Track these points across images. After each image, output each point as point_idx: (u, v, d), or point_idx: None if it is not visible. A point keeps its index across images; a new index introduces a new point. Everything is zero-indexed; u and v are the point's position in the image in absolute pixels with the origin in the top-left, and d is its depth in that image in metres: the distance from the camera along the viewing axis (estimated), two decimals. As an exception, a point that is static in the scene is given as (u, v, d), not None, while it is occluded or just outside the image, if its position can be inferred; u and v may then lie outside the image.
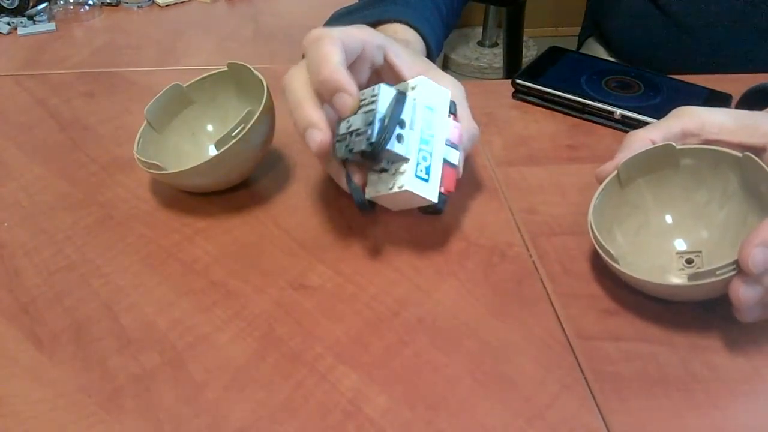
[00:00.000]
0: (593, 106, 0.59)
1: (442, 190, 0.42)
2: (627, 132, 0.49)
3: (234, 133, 0.46)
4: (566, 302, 0.42)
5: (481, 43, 2.44)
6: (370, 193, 0.43)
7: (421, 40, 0.56)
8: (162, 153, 0.52)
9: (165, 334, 0.40)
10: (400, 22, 0.56)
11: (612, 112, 0.59)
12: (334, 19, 0.62)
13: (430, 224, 0.45)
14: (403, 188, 0.41)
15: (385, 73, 0.47)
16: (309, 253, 0.46)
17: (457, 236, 0.47)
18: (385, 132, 0.40)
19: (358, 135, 0.41)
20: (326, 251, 0.46)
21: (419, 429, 0.35)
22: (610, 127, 0.59)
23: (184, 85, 0.54)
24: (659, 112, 0.51)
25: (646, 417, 0.35)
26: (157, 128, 0.53)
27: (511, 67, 1.17)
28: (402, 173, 0.41)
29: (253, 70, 0.51)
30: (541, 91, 0.61)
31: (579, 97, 0.60)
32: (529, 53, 2.29)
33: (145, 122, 0.52)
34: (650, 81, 0.62)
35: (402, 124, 0.42)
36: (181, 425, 0.35)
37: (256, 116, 0.46)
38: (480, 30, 2.46)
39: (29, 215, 0.49)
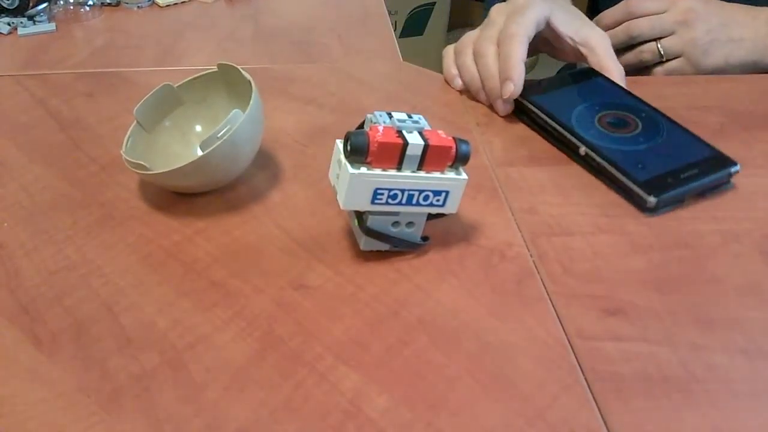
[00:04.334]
0: (563, 135, 0.55)
1: (434, 141, 0.41)
2: (593, 172, 0.53)
3: (220, 135, 0.45)
4: (566, 302, 0.42)
5: (481, 44, 2.44)
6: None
7: None
8: (151, 153, 0.52)
9: (165, 334, 0.40)
10: None
11: (577, 147, 0.54)
12: None
13: (430, 224, 0.45)
14: (452, 211, 0.44)
15: (546, 32, 0.63)
16: (309, 253, 0.46)
17: (457, 236, 0.47)
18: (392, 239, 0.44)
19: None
20: (326, 251, 0.46)
21: (419, 429, 0.35)
22: (577, 162, 0.54)
23: (175, 86, 0.54)
24: (637, 159, 0.51)
25: (646, 417, 0.35)
26: (147, 128, 0.53)
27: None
28: (440, 205, 0.43)
29: (242, 71, 0.51)
30: (527, 108, 0.58)
31: (555, 122, 0.56)
32: (530, 53, 2.28)
33: (135, 122, 0.52)
34: (652, 122, 0.55)
35: (396, 214, 0.43)
36: (181, 425, 0.35)
37: (242, 118, 0.46)
38: (480, 30, 2.46)
39: (29, 215, 0.49)
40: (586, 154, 0.53)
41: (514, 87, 0.57)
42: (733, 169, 0.51)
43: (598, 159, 0.52)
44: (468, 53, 0.63)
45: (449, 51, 0.67)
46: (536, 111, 0.58)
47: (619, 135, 0.54)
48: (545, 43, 0.67)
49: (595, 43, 0.62)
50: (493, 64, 0.60)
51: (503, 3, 0.64)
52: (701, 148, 0.53)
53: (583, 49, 0.62)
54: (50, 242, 0.47)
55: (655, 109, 0.57)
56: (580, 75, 0.62)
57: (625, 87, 0.59)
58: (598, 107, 0.57)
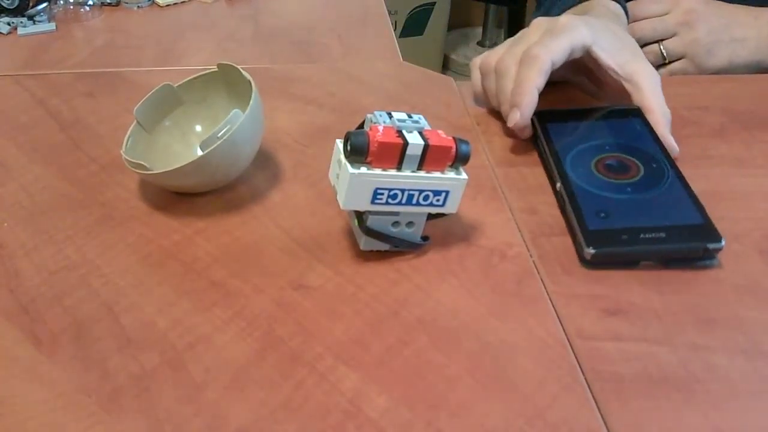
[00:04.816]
0: (549, 165, 0.52)
1: (434, 141, 0.41)
2: (563, 207, 0.48)
3: (220, 135, 0.45)
4: (566, 302, 0.42)
5: (481, 43, 2.44)
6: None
7: (623, 10, 0.67)
8: (151, 153, 0.52)
9: (165, 334, 0.40)
10: None
11: (555, 181, 0.50)
12: (552, 3, 0.72)
13: (430, 224, 0.45)
14: (452, 211, 0.44)
15: (587, 59, 0.57)
16: (309, 253, 0.46)
17: (457, 236, 0.47)
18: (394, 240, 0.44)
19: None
20: (326, 251, 0.46)
21: (419, 429, 0.35)
22: (555, 197, 0.51)
23: (175, 86, 0.54)
24: (604, 207, 0.46)
25: (646, 417, 0.35)
26: (147, 128, 0.53)
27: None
28: (439, 205, 0.43)
29: (242, 71, 0.51)
30: (536, 130, 0.55)
31: (548, 151, 0.53)
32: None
33: (135, 122, 0.52)
34: (657, 174, 0.49)
35: (396, 214, 0.43)
36: (181, 425, 0.35)
37: (242, 118, 0.46)
38: (480, 30, 2.46)
39: (29, 215, 0.49)
40: (560, 189, 0.49)
41: (520, 116, 0.53)
42: (711, 245, 0.44)
43: (566, 197, 0.48)
44: (492, 71, 0.58)
45: (476, 64, 0.61)
46: (541, 135, 0.55)
47: (607, 179, 0.49)
48: (587, 70, 0.61)
49: (641, 79, 0.55)
50: (510, 89, 0.55)
51: (545, 18, 0.58)
52: (690, 215, 0.46)
53: (627, 85, 0.56)
54: (50, 242, 0.47)
55: (671, 164, 0.50)
56: (619, 113, 0.57)
57: (667, 133, 0.53)
58: (608, 147, 0.52)
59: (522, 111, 0.52)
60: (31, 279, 0.44)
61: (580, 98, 0.62)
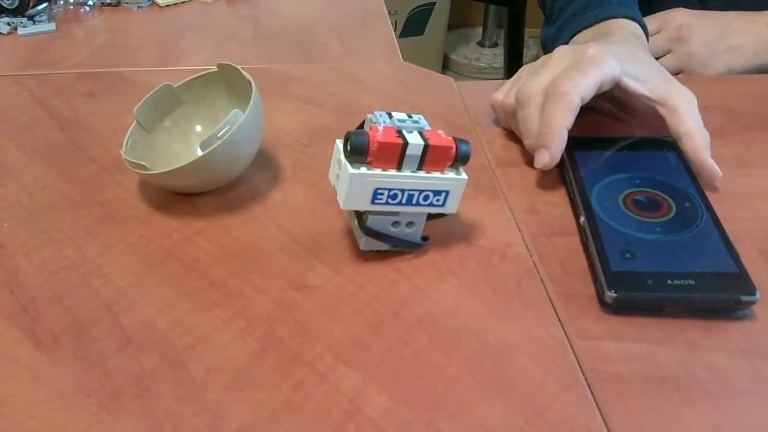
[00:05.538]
0: (574, 197, 0.49)
1: (434, 141, 0.41)
2: (583, 248, 0.46)
3: (220, 135, 0.45)
4: (566, 302, 0.42)
5: (481, 43, 2.45)
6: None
7: (642, 30, 0.65)
8: (151, 153, 0.52)
9: (165, 334, 0.40)
10: (627, 17, 0.65)
11: (579, 215, 0.47)
12: (565, 21, 0.70)
13: (430, 224, 0.45)
14: (452, 211, 0.44)
15: (615, 88, 0.54)
16: (309, 253, 0.46)
17: (457, 236, 0.47)
18: (395, 240, 0.44)
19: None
20: (326, 251, 0.46)
21: (419, 429, 0.35)
22: (579, 232, 0.48)
23: (175, 86, 0.54)
24: (630, 247, 0.43)
25: (646, 417, 0.35)
26: (147, 128, 0.53)
27: (512, 68, 1.17)
28: (440, 204, 0.43)
29: (242, 71, 0.51)
30: (563, 158, 0.51)
31: (575, 182, 0.50)
32: (530, 53, 2.29)
33: (135, 122, 0.52)
34: (690, 214, 0.46)
35: (396, 214, 0.43)
36: (181, 425, 0.35)
37: (242, 118, 0.46)
38: (480, 30, 2.46)
39: (29, 215, 0.49)
40: (583, 224, 0.46)
41: (549, 159, 0.50)
42: (745, 297, 0.40)
43: (589, 233, 0.45)
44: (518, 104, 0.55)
45: (497, 103, 0.58)
46: (567, 164, 0.52)
47: (635, 216, 0.46)
48: (613, 98, 0.59)
49: (676, 101, 0.52)
50: (534, 121, 0.52)
51: (569, 46, 0.56)
52: (723, 261, 0.42)
53: (661, 110, 0.53)
54: (50, 242, 0.47)
55: (705, 204, 0.47)
56: (652, 143, 0.54)
57: (707, 157, 0.50)
58: (639, 181, 0.49)
59: (551, 153, 0.50)
60: (31, 279, 0.44)
61: (609, 124, 0.61)
